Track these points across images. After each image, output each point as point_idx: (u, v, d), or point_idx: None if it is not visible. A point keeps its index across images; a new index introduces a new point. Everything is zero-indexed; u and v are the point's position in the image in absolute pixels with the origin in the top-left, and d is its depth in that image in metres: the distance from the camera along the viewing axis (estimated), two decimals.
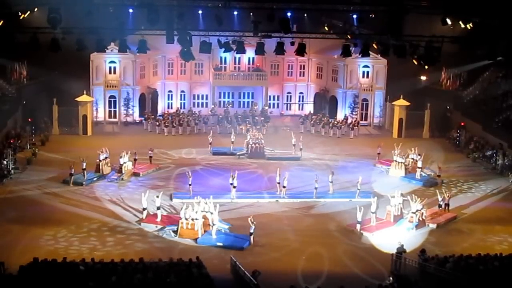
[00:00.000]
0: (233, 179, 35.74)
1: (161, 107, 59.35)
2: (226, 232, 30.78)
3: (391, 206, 32.56)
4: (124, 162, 39.56)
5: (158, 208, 31.88)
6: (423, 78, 59.83)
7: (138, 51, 33.30)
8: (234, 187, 35.64)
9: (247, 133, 48.04)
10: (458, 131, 51.69)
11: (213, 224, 30.20)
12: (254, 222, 29.66)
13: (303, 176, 40.32)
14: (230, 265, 26.29)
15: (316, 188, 36.01)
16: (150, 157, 42.26)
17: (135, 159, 41.12)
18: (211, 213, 30.49)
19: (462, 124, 52.51)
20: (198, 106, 59.73)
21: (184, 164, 43.04)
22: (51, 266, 23.13)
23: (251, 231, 29.45)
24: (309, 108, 60.69)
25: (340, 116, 57.68)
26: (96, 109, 55.09)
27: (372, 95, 57.86)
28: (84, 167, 38.07)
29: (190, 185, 35.83)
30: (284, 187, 36.06)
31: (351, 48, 35.39)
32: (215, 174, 41.08)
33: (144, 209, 31.97)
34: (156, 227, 31.11)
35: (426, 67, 35.80)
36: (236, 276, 25.41)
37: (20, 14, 32.38)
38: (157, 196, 32.30)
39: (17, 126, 49.60)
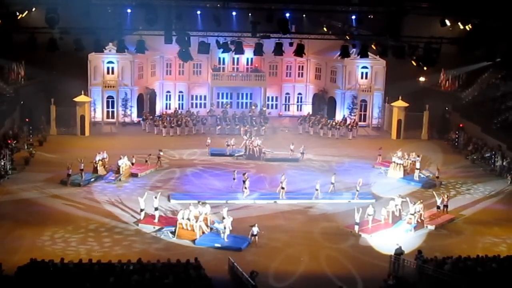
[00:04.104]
0: (244, 181, 35.90)
1: (159, 107, 59.30)
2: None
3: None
4: (123, 163, 39.44)
5: (156, 209, 31.79)
6: (422, 79, 59.85)
7: (136, 52, 33.21)
8: (246, 188, 35.73)
9: (246, 135, 47.89)
10: (457, 132, 51.67)
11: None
12: (256, 224, 29.55)
13: (301, 177, 40.25)
14: (228, 266, 26.21)
15: (317, 190, 35.93)
16: (159, 157, 42.01)
17: (132, 163, 40.83)
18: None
19: (461, 125, 52.49)
20: (196, 106, 59.68)
21: (183, 165, 42.95)
22: (49, 267, 23.05)
23: (255, 233, 29.28)
24: (307, 109, 60.65)
25: (338, 117, 57.64)
26: (94, 109, 55.01)
27: (371, 96, 57.83)
28: (82, 167, 38.02)
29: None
30: (282, 188, 35.96)
31: (349, 49, 35.34)
32: (213, 175, 41.01)
33: (142, 210, 31.90)
34: (154, 228, 31.03)
35: (425, 68, 35.73)
36: (234, 277, 25.34)
37: (18, 14, 32.30)
38: (155, 197, 32.25)
39: (15, 126, 49.51)
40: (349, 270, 27.08)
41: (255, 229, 29.35)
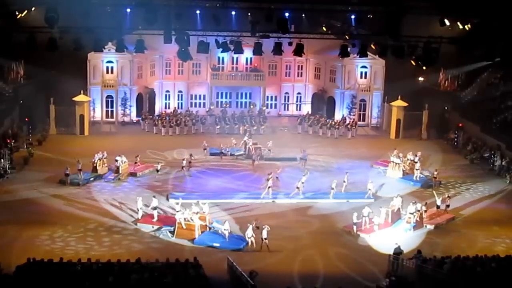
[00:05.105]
0: (268, 180, 35.71)
1: (159, 107, 59.25)
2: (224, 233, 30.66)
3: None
4: (121, 161, 39.42)
5: (155, 209, 31.78)
6: (421, 79, 59.80)
7: (136, 51, 33.25)
8: (269, 187, 35.57)
9: (245, 135, 47.82)
10: (456, 132, 51.66)
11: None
12: (267, 226, 29.11)
13: (299, 177, 40.17)
14: (227, 266, 26.21)
15: (333, 189, 35.91)
16: (190, 162, 41.30)
17: (157, 170, 40.55)
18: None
19: (460, 125, 52.46)
20: (195, 106, 59.67)
21: (180, 164, 42.86)
22: (48, 267, 23.04)
23: (265, 236, 28.75)
24: (306, 108, 60.63)
25: (337, 116, 57.61)
26: (93, 109, 54.99)
27: (370, 95, 57.81)
28: (80, 167, 37.97)
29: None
30: (297, 188, 35.93)
31: (349, 49, 35.33)
32: (211, 175, 41.00)
33: (140, 209, 31.90)
34: (153, 227, 31.02)
35: (424, 67, 35.79)
36: (233, 277, 25.31)
37: (17, 13, 32.28)
38: (154, 197, 32.26)
39: (14, 125, 49.45)
40: (348, 270, 26.99)
41: (265, 232, 28.76)
